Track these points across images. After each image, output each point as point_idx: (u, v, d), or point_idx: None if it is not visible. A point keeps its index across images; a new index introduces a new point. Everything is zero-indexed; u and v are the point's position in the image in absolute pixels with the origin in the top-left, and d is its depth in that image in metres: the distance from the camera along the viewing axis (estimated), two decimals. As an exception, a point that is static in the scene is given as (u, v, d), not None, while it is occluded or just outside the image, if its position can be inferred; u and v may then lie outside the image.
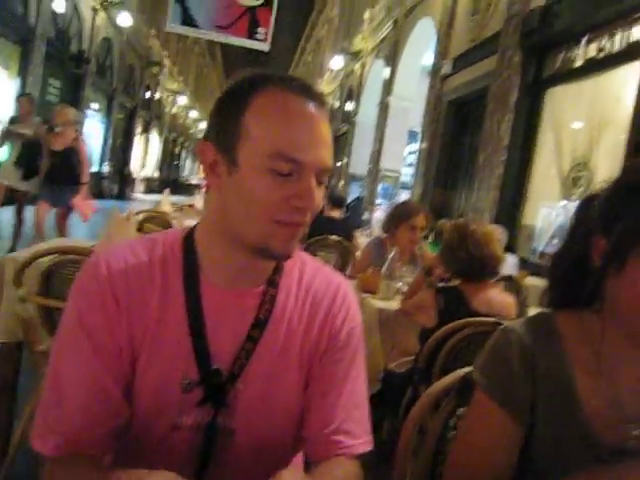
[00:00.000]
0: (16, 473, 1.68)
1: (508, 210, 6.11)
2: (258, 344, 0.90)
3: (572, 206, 5.18)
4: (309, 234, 3.75)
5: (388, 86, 11.64)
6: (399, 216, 3.29)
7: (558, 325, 0.91)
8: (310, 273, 0.98)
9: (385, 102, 11.74)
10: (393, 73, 11.42)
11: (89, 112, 15.26)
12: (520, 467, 0.87)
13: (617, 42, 4.65)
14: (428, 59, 9.86)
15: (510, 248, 5.12)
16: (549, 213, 5.67)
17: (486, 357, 0.92)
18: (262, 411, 0.92)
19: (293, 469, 0.69)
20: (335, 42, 19.62)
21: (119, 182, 19.00)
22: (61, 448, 0.82)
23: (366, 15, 14.42)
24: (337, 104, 18.19)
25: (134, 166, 21.01)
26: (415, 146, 11.10)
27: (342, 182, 15.15)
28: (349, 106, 15.87)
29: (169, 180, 28.19)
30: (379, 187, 12.08)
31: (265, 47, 12.87)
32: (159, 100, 23.60)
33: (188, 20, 12.49)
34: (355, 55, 15.09)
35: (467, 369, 1.03)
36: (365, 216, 11.44)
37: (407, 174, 12.44)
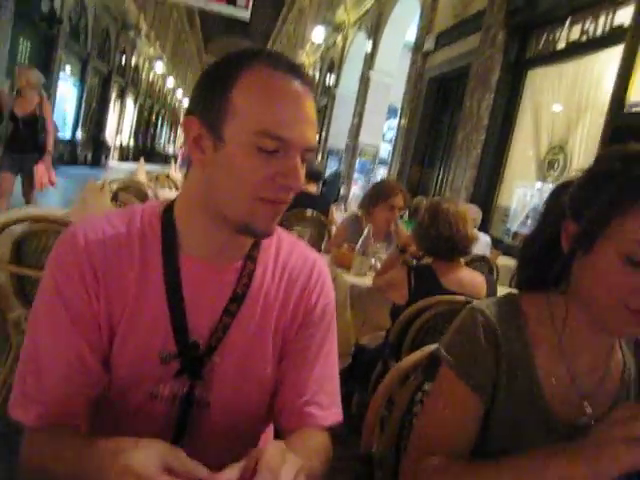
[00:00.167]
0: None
1: (484, 190, 6.16)
2: (235, 318, 0.91)
3: (547, 188, 5.26)
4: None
5: (370, 60, 11.55)
6: (377, 195, 3.29)
7: (523, 306, 0.94)
8: (286, 249, 0.99)
9: (366, 76, 11.66)
10: (375, 47, 11.33)
11: (62, 75, 14.86)
12: (479, 443, 0.91)
13: (600, 25, 4.67)
14: (411, 34, 9.79)
15: (484, 227, 5.20)
16: (524, 194, 5.74)
17: (452, 335, 0.94)
18: (237, 384, 0.93)
19: (275, 443, 0.71)
20: (317, 13, 19.32)
21: (93, 149, 18.66)
22: (43, 418, 0.83)
23: (350, -15, 14.21)
24: (317, 76, 18.01)
25: (109, 133, 20.60)
26: (395, 122, 11.10)
27: (320, 156, 15.10)
28: (330, 79, 15.72)
29: (144, 148, 27.77)
30: (357, 162, 12.07)
31: (246, 15, 12.62)
32: (135, 66, 23.07)
33: (167, -17, 12.16)
34: (337, 27, 14.90)
35: (435, 346, 1.06)
36: (342, 191, 11.46)
37: (386, 150, 12.45)
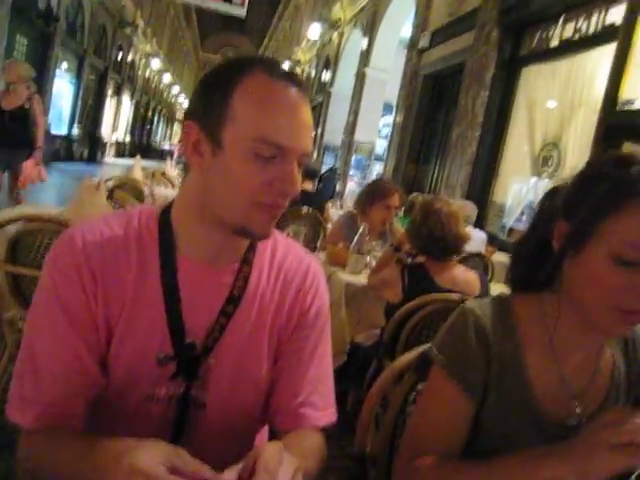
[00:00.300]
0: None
1: (479, 186, 6.17)
2: (231, 320, 0.92)
3: (542, 184, 5.28)
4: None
5: (365, 57, 11.55)
6: (373, 195, 3.28)
7: (515, 306, 0.95)
8: (282, 251, 1.00)
9: (362, 73, 11.66)
10: (371, 44, 11.32)
11: (58, 72, 14.80)
12: (470, 442, 0.92)
13: (593, 24, 4.69)
14: (406, 31, 9.78)
15: (480, 224, 5.21)
16: (519, 189, 5.76)
17: (444, 336, 0.96)
18: (233, 385, 0.94)
19: (273, 444, 0.72)
20: (314, 10, 19.28)
21: (89, 145, 18.59)
22: (40, 420, 0.83)
23: (345, -17, 14.18)
24: (313, 73, 17.99)
25: (105, 129, 20.53)
26: (390, 118, 11.08)
27: (316, 152, 15.09)
28: (325, 75, 15.70)
29: (141, 144, 27.69)
30: (352, 158, 12.07)
31: (242, 12, 12.60)
32: (132, 62, 22.98)
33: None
34: (333, 24, 14.87)
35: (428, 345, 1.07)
36: (338, 187, 11.45)
37: (381, 146, 12.45)
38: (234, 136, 0.83)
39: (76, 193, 2.67)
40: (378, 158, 12.20)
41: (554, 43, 5.24)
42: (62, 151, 15.94)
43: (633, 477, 0.76)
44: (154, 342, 0.89)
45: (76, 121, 17.05)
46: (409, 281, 2.18)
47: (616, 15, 4.32)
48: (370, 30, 11.38)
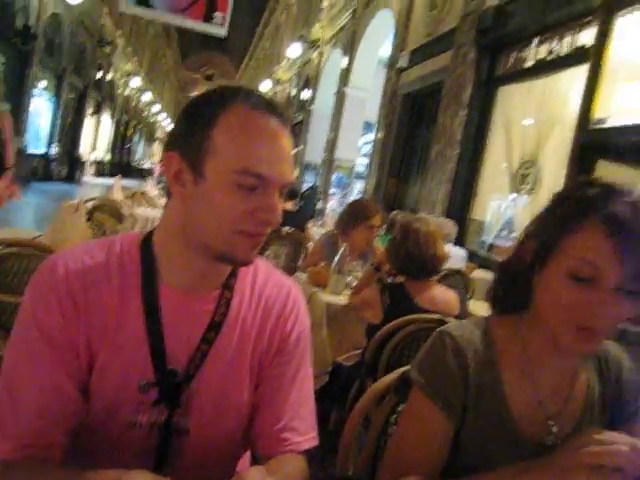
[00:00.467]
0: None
1: (459, 203, 6.24)
2: (213, 346, 0.93)
3: (521, 201, 5.37)
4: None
5: (345, 76, 11.66)
6: (356, 217, 3.24)
7: (494, 327, 0.98)
8: (262, 277, 1.01)
9: (342, 92, 11.77)
10: (350, 63, 11.45)
11: (36, 91, 14.71)
12: (449, 461, 0.93)
13: (566, 45, 4.80)
14: (385, 51, 9.93)
15: (460, 241, 5.27)
16: (498, 206, 5.84)
17: (423, 358, 0.97)
18: (216, 411, 0.95)
19: (256, 468, 0.72)
20: (294, 29, 19.48)
21: (68, 164, 18.44)
22: (18, 450, 0.82)
23: (325, 3, 14.35)
24: (294, 92, 18.10)
25: (84, 148, 20.40)
26: (370, 137, 11.19)
27: (297, 171, 15.14)
28: (305, 94, 15.82)
29: (121, 163, 27.53)
30: (333, 176, 12.14)
31: (222, 32, 12.67)
32: (111, 81, 22.93)
33: (143, 0, 12.16)
34: (313, 43, 15.03)
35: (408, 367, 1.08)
36: (319, 205, 11.49)
37: (362, 164, 12.54)
38: (216, 168, 0.84)
39: (55, 215, 2.65)
40: (359, 176, 12.28)
41: (529, 63, 5.35)
42: (40, 170, 15.78)
43: None
44: (136, 369, 0.89)
45: (55, 140, 16.93)
46: (390, 301, 2.19)
47: (587, 37, 4.44)
48: (350, 49, 11.51)
